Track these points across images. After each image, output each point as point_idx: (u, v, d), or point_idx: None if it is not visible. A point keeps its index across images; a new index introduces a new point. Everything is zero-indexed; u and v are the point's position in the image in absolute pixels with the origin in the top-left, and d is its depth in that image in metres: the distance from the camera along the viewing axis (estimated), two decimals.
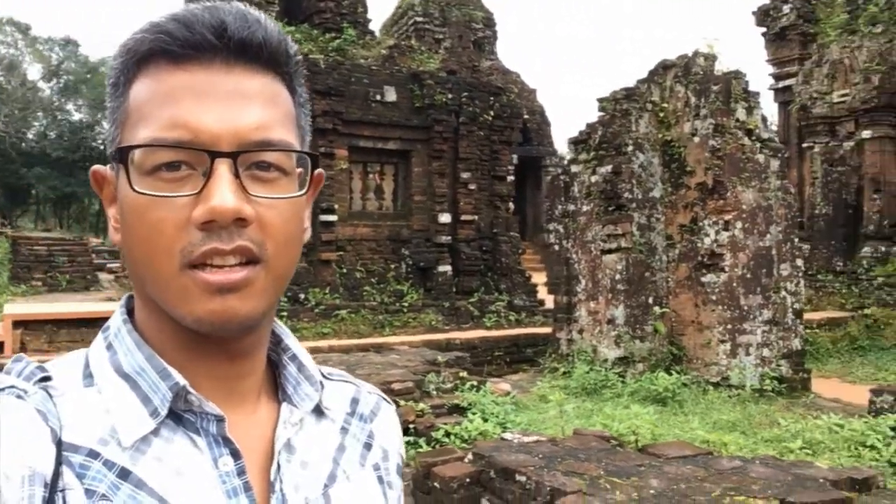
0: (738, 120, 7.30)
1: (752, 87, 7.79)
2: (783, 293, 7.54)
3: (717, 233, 7.37)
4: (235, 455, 0.66)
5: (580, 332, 7.84)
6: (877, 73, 11.79)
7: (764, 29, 14.23)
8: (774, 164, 7.37)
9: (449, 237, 12.30)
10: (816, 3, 13.71)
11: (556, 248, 8.06)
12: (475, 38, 19.01)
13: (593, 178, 7.52)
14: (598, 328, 7.58)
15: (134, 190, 0.63)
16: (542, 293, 12.34)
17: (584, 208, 7.68)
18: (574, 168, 7.84)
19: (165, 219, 0.62)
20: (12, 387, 0.63)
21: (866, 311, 11.83)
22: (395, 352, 8.08)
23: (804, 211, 12.67)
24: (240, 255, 0.63)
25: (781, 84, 13.77)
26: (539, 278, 13.16)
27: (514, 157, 16.13)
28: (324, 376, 0.80)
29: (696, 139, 7.50)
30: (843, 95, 12.35)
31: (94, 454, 0.62)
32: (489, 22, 20.59)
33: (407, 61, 12.36)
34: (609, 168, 7.39)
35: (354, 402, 0.82)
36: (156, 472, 0.63)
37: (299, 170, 0.69)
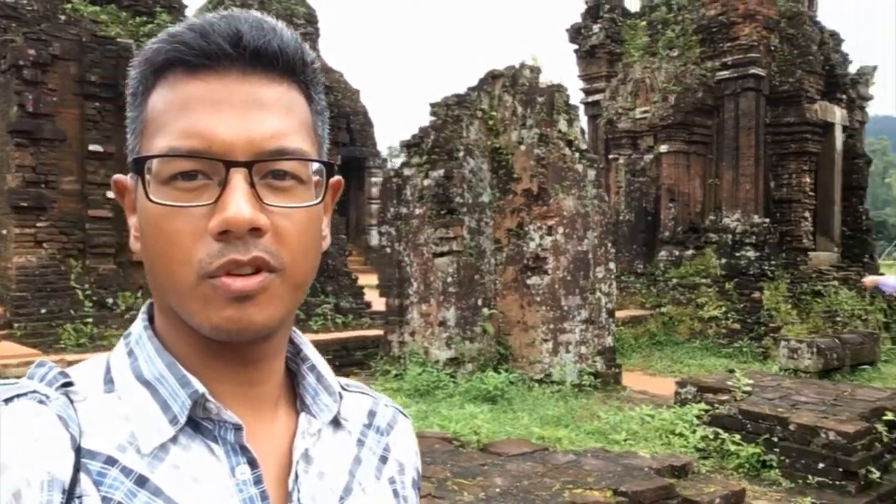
0: (560, 131, 7.74)
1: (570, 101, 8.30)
2: (598, 294, 8.09)
3: (541, 237, 7.75)
4: (252, 464, 0.67)
5: (412, 334, 7.90)
6: (673, 93, 13.02)
7: (576, 46, 15.22)
8: (591, 173, 7.90)
9: None
10: (622, 24, 14.89)
11: (389, 250, 8.05)
12: (295, 33, 18.51)
13: (426, 182, 7.61)
14: (430, 330, 7.68)
15: (151, 200, 0.64)
16: (369, 295, 12.30)
17: (417, 211, 7.74)
18: (407, 171, 7.88)
19: (182, 229, 0.63)
20: (34, 391, 0.63)
21: (663, 309, 12.99)
22: None
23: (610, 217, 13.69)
24: (256, 266, 0.63)
25: (591, 99, 14.80)
26: (364, 280, 13.11)
27: (338, 158, 15.93)
28: (342, 387, 0.80)
29: (523, 147, 7.84)
30: (645, 112, 13.51)
31: (111, 461, 0.62)
32: (311, 18, 20.16)
33: None
34: (441, 172, 7.51)
35: (371, 414, 0.82)
36: (173, 480, 0.63)
37: (316, 178, 0.68)
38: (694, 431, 5.38)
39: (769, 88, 13.11)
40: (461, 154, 7.51)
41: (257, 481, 0.66)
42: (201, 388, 0.66)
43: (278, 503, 0.68)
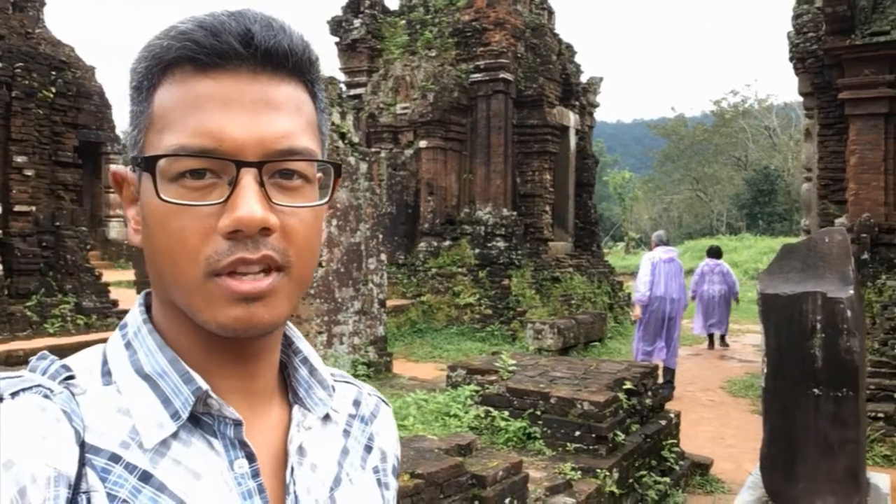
0: (333, 123, 7.74)
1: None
2: (370, 285, 8.24)
3: None
4: (250, 458, 0.68)
5: None
6: (431, 91, 13.60)
7: (337, 39, 15.24)
8: (363, 166, 8.01)
9: None
10: (383, 21, 15.19)
11: None
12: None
13: None
14: None
15: (161, 199, 0.63)
16: (116, 293, 11.32)
17: None
18: None
19: (190, 227, 0.63)
20: (39, 385, 0.63)
21: (423, 298, 13.56)
22: None
23: None
24: (264, 264, 0.64)
25: (353, 92, 14.94)
26: (106, 276, 12.03)
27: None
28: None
29: None
30: (405, 108, 13.96)
31: (115, 458, 0.63)
32: None
33: None
34: None
35: (356, 403, 0.83)
36: (175, 475, 0.64)
37: (319, 176, 0.70)
38: (467, 412, 5.71)
39: (516, 92, 14.23)
40: None
41: (255, 474, 0.68)
42: (205, 385, 0.66)
43: (274, 495, 0.69)
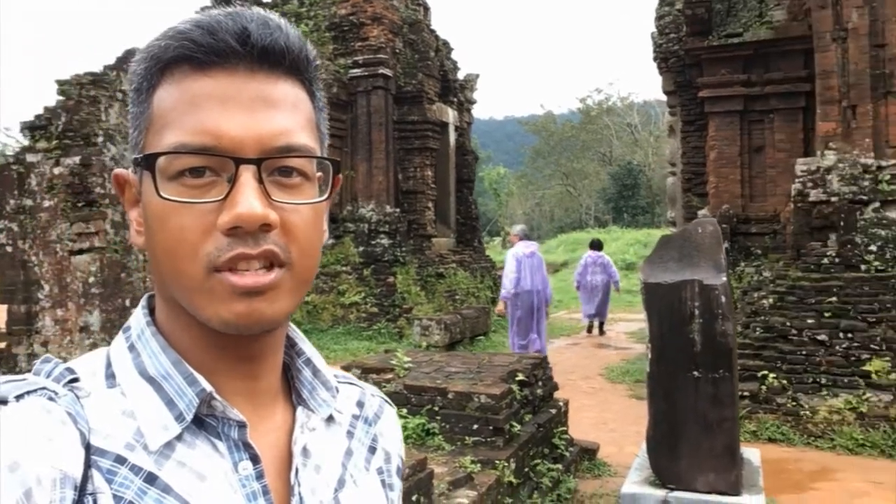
0: None
1: None
2: None
3: None
4: (255, 459, 0.68)
5: (45, 343, 6.90)
6: None
7: None
8: None
9: None
10: None
11: (10, 249, 6.89)
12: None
13: (57, 171, 6.67)
14: (69, 337, 6.80)
15: (160, 196, 0.63)
16: None
17: (47, 204, 6.75)
18: (31, 157, 6.81)
19: (190, 224, 0.63)
20: (44, 388, 0.63)
21: (307, 298, 13.33)
22: None
23: None
24: (265, 259, 0.64)
25: None
26: None
27: None
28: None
29: None
30: None
31: (120, 460, 0.62)
32: None
33: None
34: (77, 160, 6.65)
35: (360, 405, 0.84)
36: (180, 477, 0.64)
37: (319, 174, 0.70)
38: None
39: (396, 88, 14.24)
40: (100, 139, 6.76)
41: (259, 476, 0.68)
42: (209, 387, 0.66)
43: (279, 497, 0.69)
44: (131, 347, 0.69)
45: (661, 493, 4.63)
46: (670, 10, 10.64)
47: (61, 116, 6.68)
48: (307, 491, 0.71)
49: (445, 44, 16.44)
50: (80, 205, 6.67)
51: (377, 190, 14.06)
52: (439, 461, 4.98)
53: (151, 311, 0.72)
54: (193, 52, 0.64)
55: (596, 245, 14.36)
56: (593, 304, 13.86)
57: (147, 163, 0.65)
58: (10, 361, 7.13)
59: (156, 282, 0.70)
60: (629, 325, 15.33)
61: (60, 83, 7.00)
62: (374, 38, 13.59)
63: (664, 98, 11.87)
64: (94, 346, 6.83)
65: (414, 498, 3.90)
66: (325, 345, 12.03)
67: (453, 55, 16.79)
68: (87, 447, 0.61)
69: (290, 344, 0.77)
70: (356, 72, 13.75)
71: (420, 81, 14.32)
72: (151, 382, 0.67)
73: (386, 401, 0.89)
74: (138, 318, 0.71)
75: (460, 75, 17.05)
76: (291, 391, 0.77)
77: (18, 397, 0.60)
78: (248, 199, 0.62)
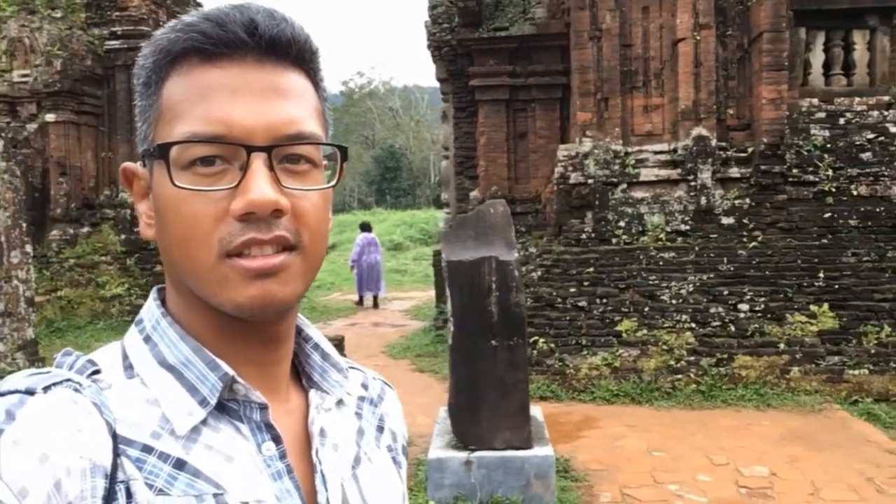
0: None
1: None
2: (15, 282, 7.11)
3: None
4: (277, 440, 0.70)
5: None
6: (58, 57, 11.99)
7: None
8: None
9: None
10: None
11: None
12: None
13: None
14: None
15: (175, 185, 0.65)
16: None
17: None
18: None
19: (203, 212, 0.65)
20: (69, 380, 0.63)
21: (60, 293, 12.08)
22: None
23: None
24: (277, 244, 0.66)
25: None
26: None
27: None
28: None
29: None
30: (25, 76, 12.10)
31: (148, 448, 0.64)
32: None
33: None
34: None
35: (364, 387, 0.87)
36: (208, 460, 0.65)
37: (325, 162, 0.72)
38: None
39: None
40: None
41: (282, 456, 0.70)
42: (231, 371, 0.68)
43: (302, 476, 0.71)
44: (147, 339, 0.70)
45: (463, 454, 4.98)
46: (443, 1, 11.15)
47: None
48: (328, 469, 0.73)
49: None
50: None
51: None
52: None
53: (163, 302, 0.73)
54: (203, 44, 0.66)
55: (367, 227, 15.96)
56: (373, 281, 15.26)
57: (161, 153, 0.66)
58: None
59: (168, 273, 0.71)
60: (402, 303, 15.92)
61: None
62: (134, 9, 12.54)
63: (425, 84, 12.45)
64: None
65: None
66: (85, 343, 11.00)
67: None
68: (114, 436, 0.62)
69: (297, 331, 0.79)
70: (114, 43, 12.59)
71: None
72: (172, 371, 0.68)
73: (387, 384, 0.92)
74: (151, 310, 0.73)
75: None
76: (301, 376, 0.80)
77: (46, 388, 0.61)
78: (261, 186, 0.64)
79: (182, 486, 0.63)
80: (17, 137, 12.27)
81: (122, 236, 12.65)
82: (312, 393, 0.77)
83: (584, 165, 8.77)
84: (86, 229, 12.74)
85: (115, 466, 0.61)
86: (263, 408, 0.69)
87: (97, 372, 0.66)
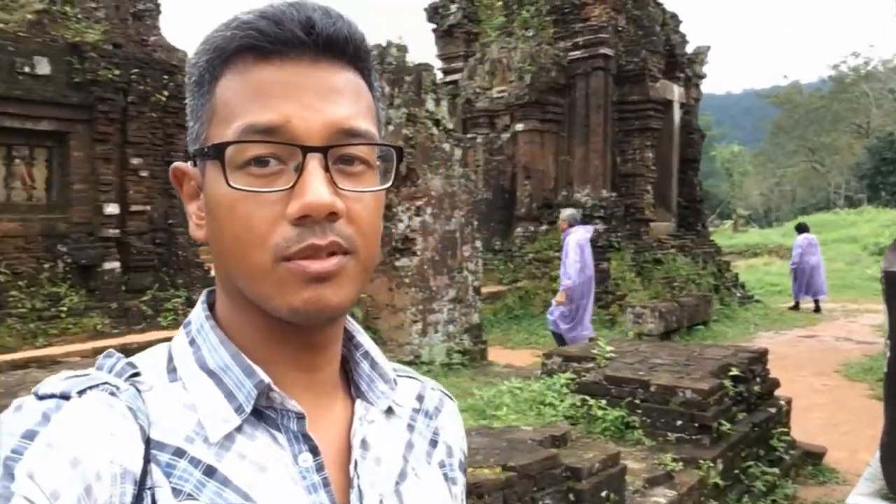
0: (427, 110, 7.77)
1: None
2: (465, 273, 8.26)
3: (409, 218, 7.77)
4: (314, 451, 0.68)
5: None
6: (528, 72, 13.41)
7: (434, 26, 15.28)
8: (458, 152, 8.02)
9: (117, 230, 10.97)
10: (479, 4, 15.11)
11: None
12: (135, 9, 17.30)
13: None
14: None
15: (230, 186, 0.64)
16: None
17: None
18: None
19: (258, 214, 0.64)
20: (106, 383, 0.64)
21: (519, 284, 13.46)
22: (66, 364, 7.03)
23: None
24: (332, 250, 0.64)
25: (449, 78, 14.95)
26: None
27: None
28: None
29: (391, 127, 7.80)
30: (501, 91, 13.84)
31: (180, 452, 0.63)
32: None
33: (61, 29, 10.80)
34: None
35: (420, 398, 0.83)
36: (240, 469, 0.64)
37: (378, 162, 0.70)
38: (562, 400, 5.61)
39: (616, 68, 13.80)
40: None
41: (319, 468, 0.68)
42: (266, 378, 0.67)
43: (339, 489, 0.69)
44: (192, 342, 0.70)
45: None
46: None
47: None
48: (366, 483, 0.70)
49: (673, 16, 15.57)
50: None
51: (593, 174, 13.79)
52: (637, 457, 4.82)
53: (211, 306, 0.73)
54: (259, 42, 0.65)
55: (804, 228, 15.73)
56: (814, 283, 14.80)
57: (216, 153, 0.65)
58: None
59: (219, 275, 0.71)
60: (877, 316, 13.62)
61: None
62: (594, 18, 13.26)
63: None
64: None
65: (603, 494, 3.82)
66: (535, 330, 11.92)
67: (682, 28, 15.87)
68: (147, 441, 0.62)
69: (349, 337, 0.77)
70: (576, 54, 13.51)
71: (643, 59, 13.74)
72: (212, 375, 0.68)
73: (447, 395, 0.88)
74: (198, 313, 0.72)
75: (689, 48, 16.08)
76: (350, 385, 0.77)
77: (81, 392, 0.62)
78: (316, 188, 0.62)
79: (210, 494, 0.62)
80: (492, 146, 14.11)
81: None
82: (358, 403, 0.75)
83: None
84: (544, 227, 13.97)
85: (144, 473, 0.61)
86: (301, 417, 0.68)
87: (136, 374, 0.67)
